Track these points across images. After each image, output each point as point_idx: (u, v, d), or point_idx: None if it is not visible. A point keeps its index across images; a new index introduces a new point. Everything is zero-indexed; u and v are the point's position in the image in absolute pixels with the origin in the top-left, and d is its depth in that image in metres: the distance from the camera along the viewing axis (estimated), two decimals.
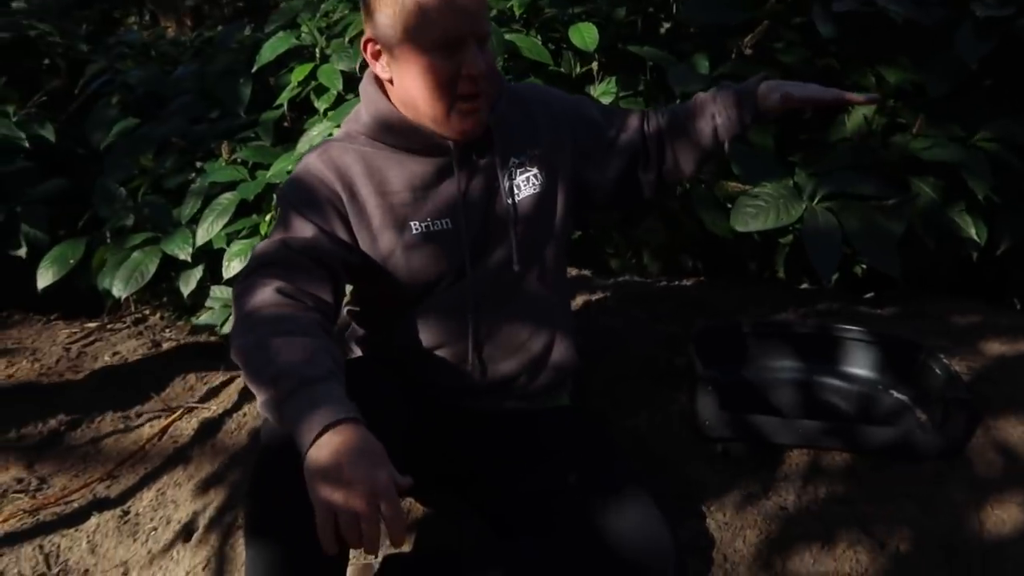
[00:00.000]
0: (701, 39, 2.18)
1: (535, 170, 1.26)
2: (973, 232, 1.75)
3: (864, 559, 1.16)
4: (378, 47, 1.17)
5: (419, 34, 1.11)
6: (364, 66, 2.13)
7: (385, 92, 1.21)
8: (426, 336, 1.25)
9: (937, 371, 1.42)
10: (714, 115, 1.33)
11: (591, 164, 1.34)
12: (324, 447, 0.91)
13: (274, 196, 1.95)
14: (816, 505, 1.26)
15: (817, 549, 1.19)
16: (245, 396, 1.79)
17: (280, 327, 1.04)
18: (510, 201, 1.24)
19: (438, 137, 1.19)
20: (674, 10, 2.25)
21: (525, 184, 1.26)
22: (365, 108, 1.22)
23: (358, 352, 1.38)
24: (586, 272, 2.05)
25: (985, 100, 1.95)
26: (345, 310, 1.38)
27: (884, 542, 1.19)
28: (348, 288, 1.32)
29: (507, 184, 1.24)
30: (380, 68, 1.19)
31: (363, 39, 1.19)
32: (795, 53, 1.97)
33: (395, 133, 1.19)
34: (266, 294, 1.08)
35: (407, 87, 1.17)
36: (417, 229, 1.20)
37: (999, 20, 1.82)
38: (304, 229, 1.16)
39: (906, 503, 1.24)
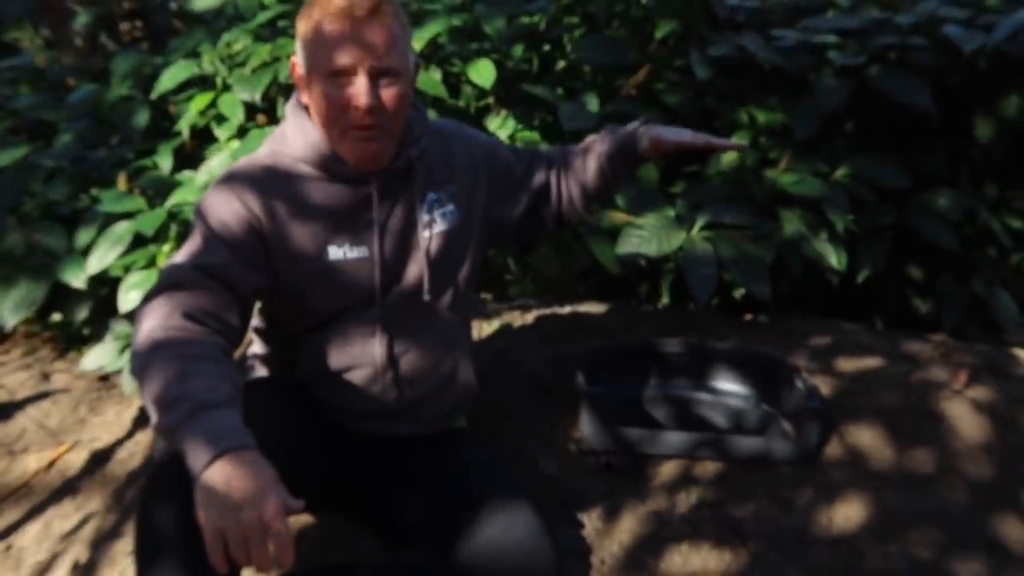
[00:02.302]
0: (593, 76, 2.32)
1: (452, 206, 1.31)
2: (834, 260, 1.91)
3: (728, 556, 1.26)
4: (299, 70, 1.21)
5: (317, 61, 1.15)
6: (265, 97, 2.17)
7: (310, 115, 1.23)
8: (333, 359, 1.27)
9: (798, 385, 1.55)
10: (600, 155, 1.42)
11: (503, 203, 1.40)
12: (216, 473, 0.93)
13: (172, 225, 1.95)
14: (686, 509, 1.35)
15: (686, 548, 1.28)
16: (137, 425, 1.76)
17: (183, 350, 1.04)
18: (426, 234, 1.27)
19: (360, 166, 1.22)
20: (568, 49, 2.38)
21: (441, 219, 1.29)
22: (291, 131, 1.24)
23: (263, 372, 1.39)
24: (486, 296, 2.12)
25: (846, 139, 2.14)
26: (252, 329, 1.39)
27: (746, 540, 1.29)
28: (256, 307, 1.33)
29: (425, 217, 1.27)
30: (302, 90, 1.23)
31: (291, 59, 1.22)
32: (677, 94, 2.12)
33: (319, 159, 1.21)
34: (171, 316, 1.08)
35: (313, 110, 1.21)
36: (334, 255, 1.23)
37: (853, 68, 2.03)
38: (217, 250, 1.16)
39: (766, 504, 1.35)
